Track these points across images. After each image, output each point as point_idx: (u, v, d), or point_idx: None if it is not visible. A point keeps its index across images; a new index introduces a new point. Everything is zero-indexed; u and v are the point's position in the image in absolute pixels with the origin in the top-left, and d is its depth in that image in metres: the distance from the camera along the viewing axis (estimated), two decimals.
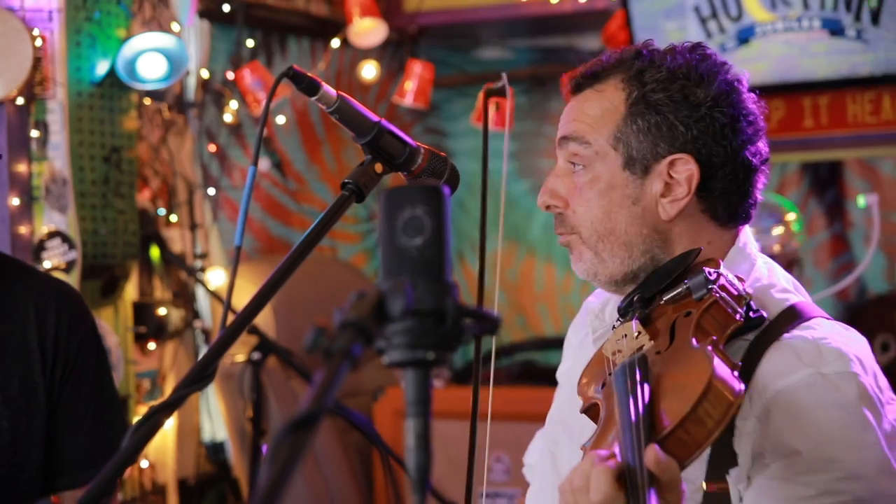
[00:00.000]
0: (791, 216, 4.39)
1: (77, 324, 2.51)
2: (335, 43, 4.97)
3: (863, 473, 1.79)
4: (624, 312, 2.00)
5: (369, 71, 5.13)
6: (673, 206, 2.01)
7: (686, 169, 1.99)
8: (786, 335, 1.89)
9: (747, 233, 2.10)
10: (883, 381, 1.89)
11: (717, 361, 1.66)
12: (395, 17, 5.24)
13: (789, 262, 4.19)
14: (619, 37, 5.05)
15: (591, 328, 2.20)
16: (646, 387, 1.68)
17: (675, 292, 1.89)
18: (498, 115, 5.00)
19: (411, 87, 4.88)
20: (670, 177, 1.99)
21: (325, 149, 5.45)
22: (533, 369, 5.53)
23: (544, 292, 6.08)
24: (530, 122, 5.93)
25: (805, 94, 4.98)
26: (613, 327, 1.99)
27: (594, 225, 2.00)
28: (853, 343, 1.91)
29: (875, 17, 4.68)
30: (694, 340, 1.75)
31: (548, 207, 2.03)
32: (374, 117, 1.91)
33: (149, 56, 4.04)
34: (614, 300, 2.16)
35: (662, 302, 1.90)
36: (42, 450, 2.46)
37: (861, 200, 4.61)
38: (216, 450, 4.72)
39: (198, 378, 1.67)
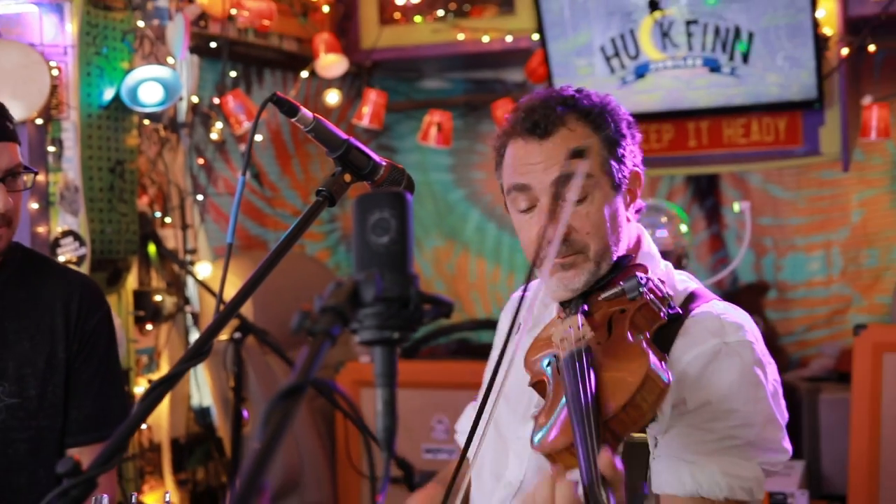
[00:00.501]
0: (680, 219, 4.46)
1: (94, 309, 2.55)
2: (304, 74, 4.98)
3: (754, 422, 1.90)
4: (565, 305, 2.04)
5: (333, 97, 5.14)
6: (632, 211, 2.12)
7: (640, 180, 2.13)
8: (692, 313, 1.99)
9: (648, 237, 2.18)
10: (764, 348, 2.00)
11: (652, 356, 1.71)
12: (354, 53, 5.26)
13: (678, 257, 4.27)
14: (539, 71, 5.10)
15: (523, 319, 2.21)
16: (591, 373, 1.71)
17: (611, 292, 1.92)
18: (440, 135, 5.06)
19: (368, 111, 4.90)
20: (630, 189, 2.10)
21: (295, 162, 5.46)
22: (467, 346, 5.58)
23: (476, 282, 6.13)
24: (465, 141, 5.97)
25: (689, 120, 5.08)
26: (560, 317, 2.01)
27: (603, 241, 2.03)
28: (745, 318, 2.02)
29: (745, 58, 4.77)
30: (629, 335, 1.81)
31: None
32: (344, 135, 1.95)
33: (148, 84, 4.04)
34: (541, 295, 2.22)
35: (600, 299, 1.92)
36: (62, 416, 2.48)
37: (736, 206, 4.69)
38: (202, 414, 4.73)
39: (195, 355, 1.68)
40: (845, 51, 4.72)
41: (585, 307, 1.95)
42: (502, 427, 2.17)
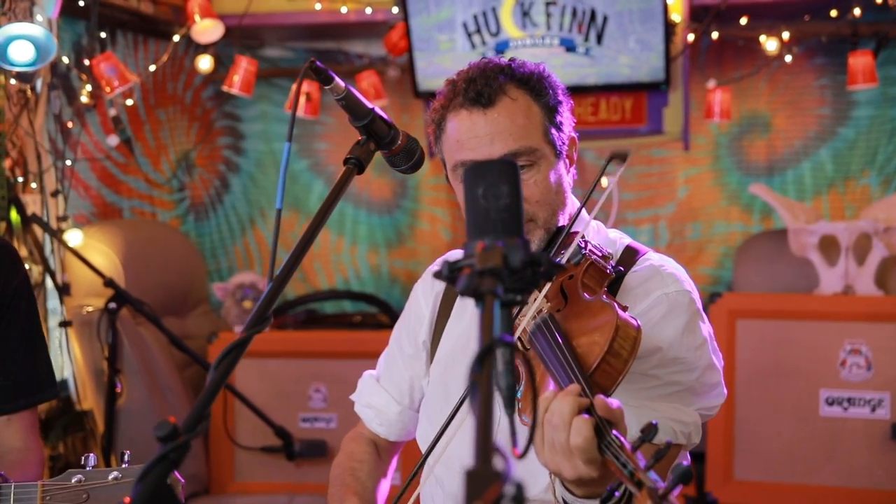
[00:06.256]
0: None
1: (12, 273, 2.45)
2: (176, 38, 4.81)
3: (695, 367, 2.01)
4: None
5: (205, 63, 4.98)
6: (572, 176, 2.18)
7: (576, 145, 2.19)
8: (633, 268, 2.09)
9: (575, 200, 2.23)
10: (698, 295, 2.10)
11: (616, 306, 1.76)
12: None
13: None
14: (400, 45, 5.13)
15: None
16: (562, 337, 1.74)
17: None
18: (309, 105, 5.00)
19: (238, 79, 4.77)
20: (569, 155, 2.16)
21: (147, 129, 5.27)
22: (315, 316, 5.55)
23: (320, 252, 6.09)
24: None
25: None
26: None
27: (551, 208, 2.09)
28: (679, 267, 2.13)
29: (599, 39, 4.95)
30: (586, 295, 1.84)
31: None
32: (369, 105, 1.93)
33: (18, 43, 3.80)
34: None
35: None
36: None
37: (604, 181, 4.86)
38: (59, 387, 4.50)
39: (259, 321, 1.65)
40: (691, 36, 5.00)
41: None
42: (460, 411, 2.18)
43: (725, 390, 2.09)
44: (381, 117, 1.95)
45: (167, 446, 1.46)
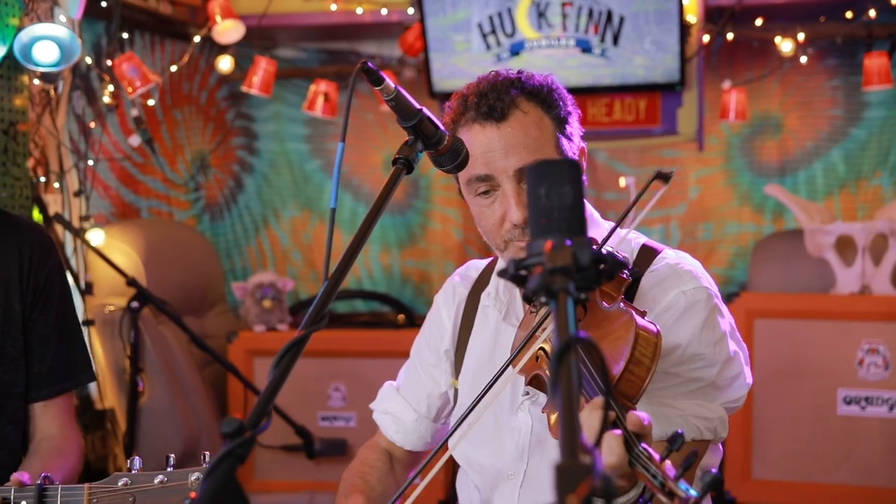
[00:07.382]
0: None
1: (46, 258, 2.48)
2: (197, 38, 4.84)
3: (715, 362, 2.02)
4: (529, 298, 2.11)
5: (226, 63, 5.00)
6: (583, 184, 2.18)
7: (585, 154, 2.20)
8: (650, 268, 2.11)
9: (589, 205, 2.20)
10: (716, 288, 2.13)
11: (634, 314, 1.78)
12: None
13: None
14: (416, 45, 5.15)
15: (497, 309, 2.29)
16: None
17: None
18: (327, 105, 5.02)
19: (258, 80, 4.79)
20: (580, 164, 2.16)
21: (163, 129, 5.29)
22: (330, 315, 5.57)
23: (333, 252, 6.08)
24: None
25: None
26: (532, 311, 2.04)
27: None
28: (695, 264, 2.15)
29: (615, 40, 4.98)
30: (604, 304, 1.86)
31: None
32: (418, 105, 1.94)
33: (43, 43, 3.83)
34: (503, 283, 2.27)
35: None
36: (24, 369, 2.43)
37: (622, 181, 4.90)
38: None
39: (316, 320, 1.68)
40: (706, 38, 5.03)
41: None
42: (489, 419, 2.21)
43: (750, 379, 2.10)
44: (428, 118, 1.96)
45: (233, 442, 1.49)
